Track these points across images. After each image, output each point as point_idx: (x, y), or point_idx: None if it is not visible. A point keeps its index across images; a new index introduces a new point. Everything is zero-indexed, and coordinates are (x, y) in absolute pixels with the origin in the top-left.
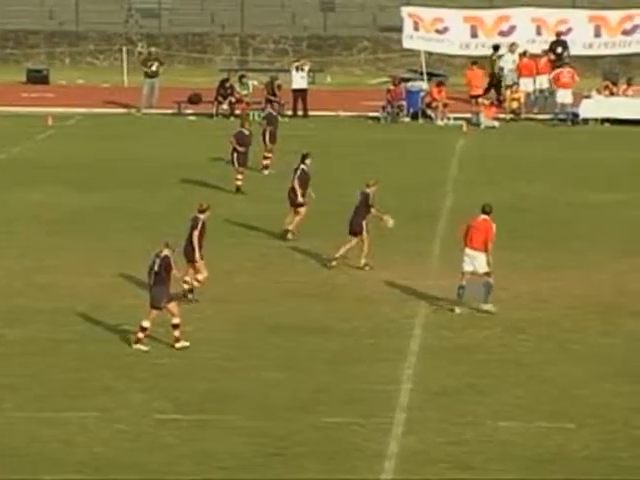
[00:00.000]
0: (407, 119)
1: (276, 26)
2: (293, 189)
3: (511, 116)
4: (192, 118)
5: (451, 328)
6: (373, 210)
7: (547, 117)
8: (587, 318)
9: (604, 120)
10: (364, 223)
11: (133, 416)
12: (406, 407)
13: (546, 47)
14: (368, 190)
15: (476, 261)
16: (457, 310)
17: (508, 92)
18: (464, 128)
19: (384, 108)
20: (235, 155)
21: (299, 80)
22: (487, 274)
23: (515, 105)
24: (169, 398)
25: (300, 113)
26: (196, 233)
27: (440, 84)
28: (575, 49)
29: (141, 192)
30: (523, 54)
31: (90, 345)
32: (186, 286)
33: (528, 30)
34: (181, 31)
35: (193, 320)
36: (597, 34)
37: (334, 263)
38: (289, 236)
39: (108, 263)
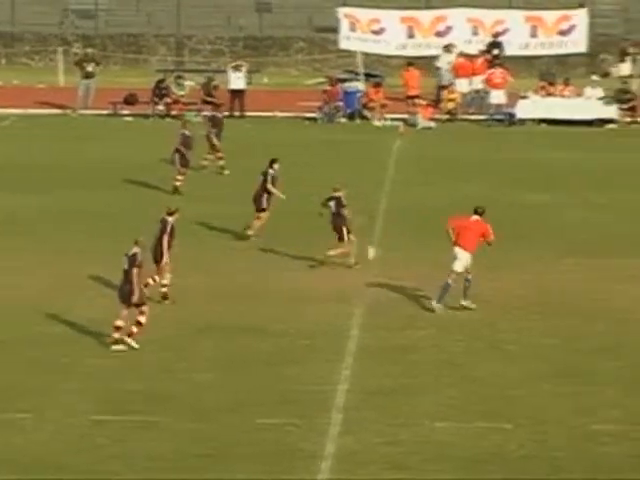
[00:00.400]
0: (344, 120)
1: (212, 27)
2: (267, 192)
3: (447, 117)
4: (128, 119)
5: (388, 328)
6: (346, 211)
7: (483, 118)
8: (525, 318)
9: (541, 120)
10: (344, 227)
11: (65, 417)
12: (342, 407)
13: (483, 47)
14: (338, 194)
15: (458, 259)
16: (435, 306)
17: (445, 93)
18: (401, 129)
19: (321, 108)
20: (177, 156)
21: (236, 81)
22: (465, 271)
23: (451, 106)
24: (101, 399)
25: (237, 114)
26: (166, 237)
27: (377, 85)
28: (511, 49)
29: (78, 193)
30: (460, 54)
31: (22, 346)
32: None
33: (464, 30)
34: (117, 32)
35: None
36: (533, 34)
37: (352, 262)
38: (252, 238)
39: (44, 265)
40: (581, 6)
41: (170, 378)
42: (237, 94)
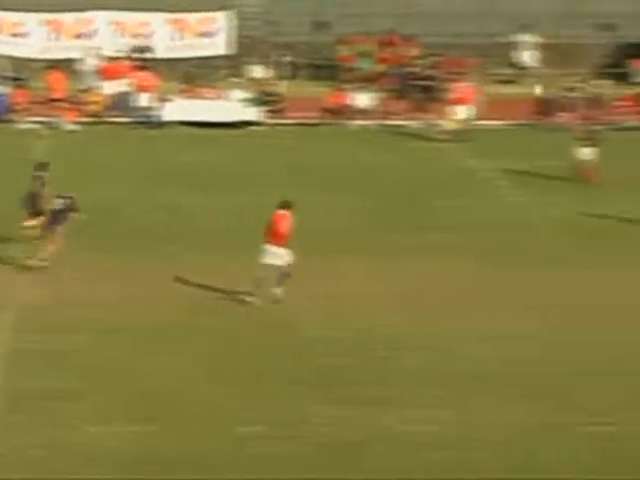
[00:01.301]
0: None
1: None
2: (38, 196)
3: (92, 119)
4: None
5: (44, 332)
6: (76, 214)
7: (129, 120)
8: (189, 318)
9: (185, 122)
10: (59, 228)
11: None
12: None
13: (128, 50)
14: (71, 195)
15: (266, 253)
16: (250, 299)
17: (88, 95)
18: (44, 132)
19: None
20: None
21: None
22: (286, 264)
23: (95, 108)
24: None
25: None
26: None
27: (21, 87)
28: (157, 52)
29: None
30: (105, 57)
31: None
32: None
33: (109, 33)
34: None
35: None
36: (177, 37)
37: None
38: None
39: None
40: (223, 9)
41: None
42: None
